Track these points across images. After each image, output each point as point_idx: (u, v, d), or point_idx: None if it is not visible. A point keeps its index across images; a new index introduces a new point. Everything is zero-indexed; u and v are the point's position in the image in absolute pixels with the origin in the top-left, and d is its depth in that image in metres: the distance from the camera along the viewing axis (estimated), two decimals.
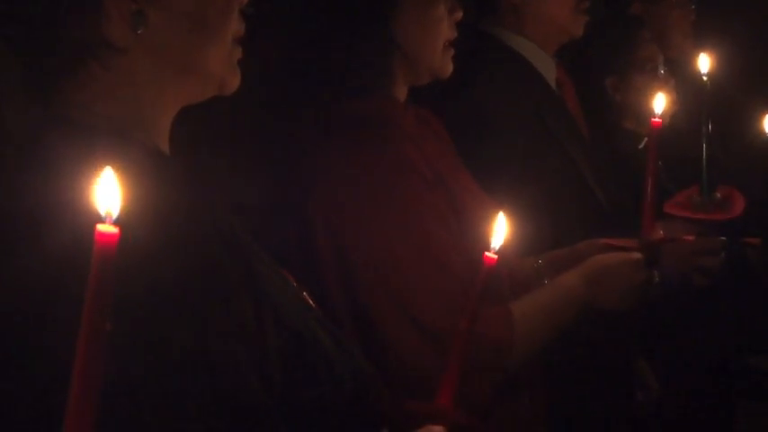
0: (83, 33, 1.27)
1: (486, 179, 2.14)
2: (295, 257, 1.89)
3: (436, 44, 2.00)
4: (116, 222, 0.88)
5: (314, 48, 1.95)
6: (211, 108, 1.44)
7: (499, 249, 1.31)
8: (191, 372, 1.18)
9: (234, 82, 1.40)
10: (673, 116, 2.93)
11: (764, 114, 2.62)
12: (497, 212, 1.36)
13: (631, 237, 2.11)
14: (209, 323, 1.20)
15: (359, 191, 1.88)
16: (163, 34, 1.30)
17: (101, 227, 0.87)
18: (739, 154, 3.17)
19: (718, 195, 2.30)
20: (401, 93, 2.02)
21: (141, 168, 1.21)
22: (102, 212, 0.89)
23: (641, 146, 3.13)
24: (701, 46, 2.81)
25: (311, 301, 1.48)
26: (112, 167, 0.92)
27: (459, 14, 2.03)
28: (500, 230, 1.32)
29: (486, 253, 1.30)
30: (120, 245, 0.89)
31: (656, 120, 2.02)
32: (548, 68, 2.63)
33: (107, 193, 0.90)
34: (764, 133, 2.60)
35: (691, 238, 2.22)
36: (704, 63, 2.43)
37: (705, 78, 2.40)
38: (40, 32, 1.27)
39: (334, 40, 1.93)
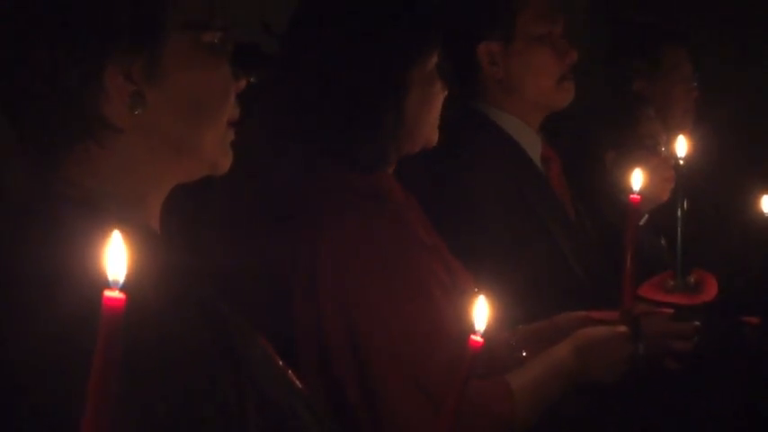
0: (82, 111, 1.29)
1: (470, 262, 2.17)
2: (300, 328, 1.91)
3: (434, 120, 2.07)
4: (122, 289, 0.92)
5: (327, 124, 1.98)
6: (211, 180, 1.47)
7: (485, 332, 1.33)
8: None
9: (226, 163, 1.42)
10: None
11: (762, 194, 2.63)
12: (479, 295, 1.39)
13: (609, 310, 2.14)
14: (190, 406, 1.21)
15: (365, 262, 1.90)
16: (160, 116, 1.33)
17: (108, 293, 0.91)
18: (739, 234, 3.18)
19: (692, 279, 2.31)
20: (392, 167, 2.06)
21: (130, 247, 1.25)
22: (110, 279, 0.92)
23: (642, 222, 3.14)
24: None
25: (295, 380, 1.49)
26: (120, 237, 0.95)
27: (447, 91, 2.08)
28: (483, 314, 1.34)
29: (473, 336, 1.32)
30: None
31: (635, 196, 2.06)
32: (532, 145, 2.65)
33: (115, 261, 0.93)
34: (763, 213, 2.60)
35: (669, 310, 2.24)
36: (681, 146, 2.45)
37: (681, 162, 2.42)
38: (42, 108, 1.29)
39: (348, 118, 1.96)
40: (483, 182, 2.47)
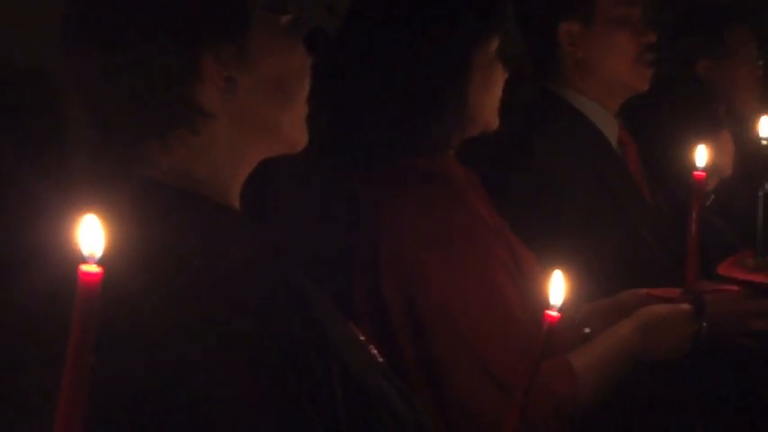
0: (179, 99, 1.33)
1: (545, 239, 2.17)
2: (364, 309, 1.92)
3: (495, 103, 2.07)
4: (99, 263, 0.92)
5: (392, 108, 1.98)
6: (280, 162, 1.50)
7: (561, 307, 1.33)
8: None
9: (304, 140, 1.46)
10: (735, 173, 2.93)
11: None
12: (554, 270, 1.37)
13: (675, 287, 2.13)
14: (283, 387, 1.24)
15: (429, 242, 1.90)
16: (248, 99, 1.37)
17: (84, 267, 0.91)
18: None
19: None
20: (453, 150, 2.07)
21: (208, 225, 1.29)
22: (86, 253, 0.93)
23: (708, 203, 3.12)
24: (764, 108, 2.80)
25: (378, 355, 1.52)
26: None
27: (506, 75, 2.09)
28: (559, 288, 1.33)
29: (548, 311, 1.31)
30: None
31: (699, 173, 2.05)
32: (610, 128, 2.65)
33: (91, 235, 0.94)
34: None
35: (734, 288, 2.22)
36: (765, 126, 2.43)
37: (765, 142, 2.40)
38: (140, 97, 1.32)
39: (410, 102, 1.97)
40: (562, 164, 2.47)
